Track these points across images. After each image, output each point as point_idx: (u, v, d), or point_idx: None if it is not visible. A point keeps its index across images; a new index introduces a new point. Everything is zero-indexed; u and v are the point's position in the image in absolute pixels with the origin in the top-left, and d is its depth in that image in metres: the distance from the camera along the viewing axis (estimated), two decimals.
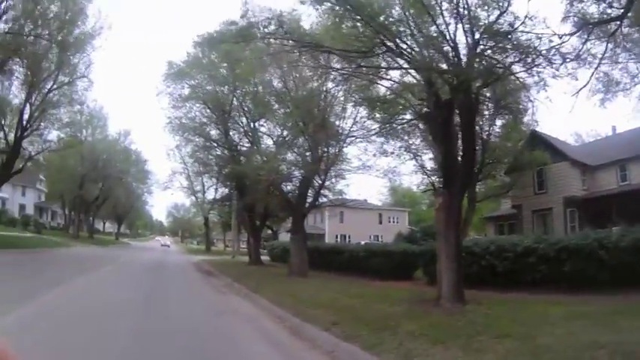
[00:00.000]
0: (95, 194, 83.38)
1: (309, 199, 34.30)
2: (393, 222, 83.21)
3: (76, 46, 36.33)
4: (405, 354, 9.19)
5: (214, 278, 32.11)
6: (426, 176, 38.45)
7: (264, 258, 49.96)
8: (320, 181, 32.78)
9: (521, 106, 28.98)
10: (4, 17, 30.07)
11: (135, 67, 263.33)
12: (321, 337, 11.41)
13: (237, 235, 70.27)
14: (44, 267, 29.14)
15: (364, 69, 18.95)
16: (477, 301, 15.91)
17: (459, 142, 18.35)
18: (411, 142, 31.65)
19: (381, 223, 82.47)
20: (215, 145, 44.18)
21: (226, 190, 66.61)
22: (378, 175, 33.68)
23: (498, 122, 34.80)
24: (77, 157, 71.80)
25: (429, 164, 36.31)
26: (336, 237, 72.61)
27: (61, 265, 32.69)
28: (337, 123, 30.89)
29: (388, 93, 21.07)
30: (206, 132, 43.10)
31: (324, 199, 35.77)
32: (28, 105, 38.17)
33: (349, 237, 69.06)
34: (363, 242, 47.13)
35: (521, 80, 18.63)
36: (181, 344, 10.45)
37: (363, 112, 28.59)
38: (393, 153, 31.03)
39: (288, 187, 35.84)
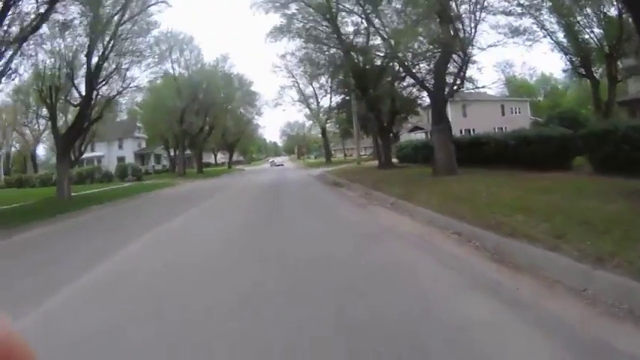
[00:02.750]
0: (199, 126, 79.53)
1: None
2: (516, 113, 79.78)
3: None
4: None
5: (346, 189, 28.45)
6: (563, 54, 38.38)
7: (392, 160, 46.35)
8: (461, 58, 27.90)
9: None
10: None
11: None
12: (554, 263, 7.96)
13: (359, 141, 67.86)
14: (125, 217, 24.29)
15: None
16: None
17: None
18: (543, 19, 30.49)
19: (503, 114, 78.31)
20: (326, 45, 41.00)
21: (341, 100, 65.59)
22: (496, 68, 29.78)
23: None
24: (173, 93, 70.08)
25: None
26: (461, 131, 67.16)
27: (150, 209, 28.14)
28: None
29: None
30: (314, 35, 39.71)
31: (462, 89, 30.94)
32: (97, 48, 34.11)
33: (473, 130, 63.90)
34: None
35: None
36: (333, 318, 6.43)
37: None
38: (525, 31, 29.70)
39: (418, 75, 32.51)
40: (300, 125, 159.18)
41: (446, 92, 28.47)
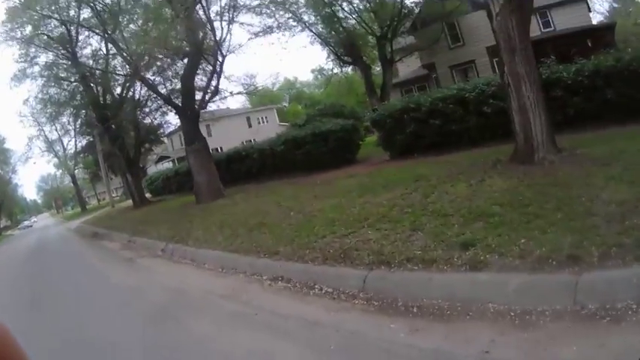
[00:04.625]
0: None
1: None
2: (264, 122, 77.88)
3: None
4: None
5: (106, 240, 23.68)
6: (325, 45, 36.52)
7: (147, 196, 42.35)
8: (212, 65, 24.40)
9: None
10: None
11: None
12: (496, 288, 5.44)
13: (109, 182, 63.15)
14: None
15: None
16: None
17: None
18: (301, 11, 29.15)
19: (250, 126, 76.56)
20: (66, 80, 36.10)
21: (86, 142, 61.18)
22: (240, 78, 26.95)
23: None
24: None
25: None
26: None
27: None
28: None
29: None
30: (54, 70, 35.04)
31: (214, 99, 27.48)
32: None
33: (221, 149, 61.91)
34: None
35: None
36: None
37: None
38: (280, 27, 26.80)
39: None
40: (53, 178, 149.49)
41: (196, 107, 25.05)
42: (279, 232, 10.55)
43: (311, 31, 34.01)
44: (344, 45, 34.84)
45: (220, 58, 23.93)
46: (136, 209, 34.08)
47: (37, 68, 34.23)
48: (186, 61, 25.27)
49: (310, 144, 23.91)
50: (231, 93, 30.60)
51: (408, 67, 41.96)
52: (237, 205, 17.38)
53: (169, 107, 32.90)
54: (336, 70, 42.04)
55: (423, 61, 39.07)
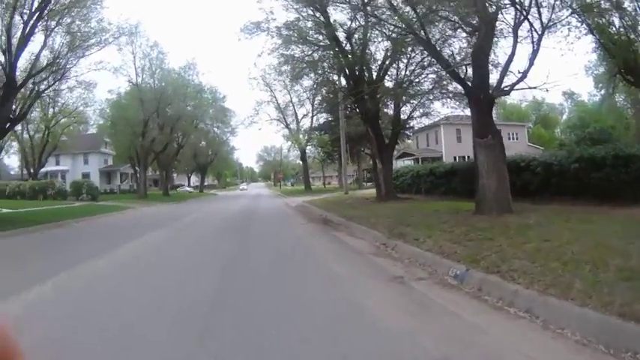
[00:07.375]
0: (164, 143, 70.21)
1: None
2: (513, 139, 72.61)
3: None
4: None
5: (344, 233, 18.65)
6: (609, 55, 31.34)
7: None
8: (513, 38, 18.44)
9: None
10: None
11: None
12: None
13: (345, 165, 58.17)
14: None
15: None
16: None
17: None
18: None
19: None
20: (314, 44, 32.14)
21: (324, 120, 62.87)
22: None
23: None
24: (136, 102, 62.11)
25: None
26: (455, 158, 62.35)
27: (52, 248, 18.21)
28: None
29: None
30: (296, 29, 31.13)
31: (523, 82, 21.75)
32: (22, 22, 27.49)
33: (467, 158, 56.34)
34: None
35: None
36: None
37: None
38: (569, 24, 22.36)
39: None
40: (277, 150, 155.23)
41: (491, 91, 19.70)
42: None
43: (593, 34, 29.05)
44: (625, 60, 29.80)
45: (539, 30, 17.81)
46: (381, 202, 30.30)
47: (273, 24, 31.14)
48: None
49: (610, 167, 20.12)
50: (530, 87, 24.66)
51: None
52: (544, 228, 12.51)
53: (438, 93, 31.03)
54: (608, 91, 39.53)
55: None
